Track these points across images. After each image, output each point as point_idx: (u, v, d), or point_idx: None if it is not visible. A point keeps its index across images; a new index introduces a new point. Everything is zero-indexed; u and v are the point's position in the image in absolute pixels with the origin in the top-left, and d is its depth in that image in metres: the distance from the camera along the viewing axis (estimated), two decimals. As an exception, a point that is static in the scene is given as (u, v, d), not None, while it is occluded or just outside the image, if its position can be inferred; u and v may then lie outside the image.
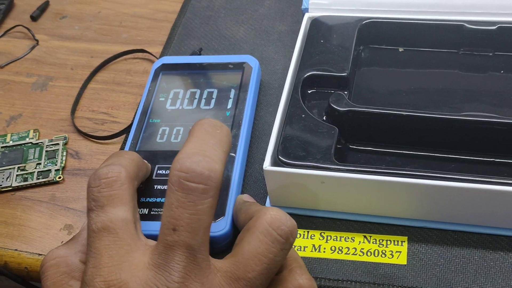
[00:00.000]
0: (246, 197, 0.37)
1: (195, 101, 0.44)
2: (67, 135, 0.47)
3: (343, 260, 0.37)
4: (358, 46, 0.45)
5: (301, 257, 0.35)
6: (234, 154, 0.40)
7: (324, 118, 0.40)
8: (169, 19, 0.56)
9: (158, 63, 0.47)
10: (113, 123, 0.48)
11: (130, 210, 0.31)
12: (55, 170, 0.44)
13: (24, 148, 0.46)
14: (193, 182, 0.29)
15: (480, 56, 0.44)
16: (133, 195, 0.32)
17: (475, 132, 0.38)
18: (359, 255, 0.37)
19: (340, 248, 0.37)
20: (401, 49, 0.45)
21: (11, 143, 0.47)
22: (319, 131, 0.38)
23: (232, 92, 0.44)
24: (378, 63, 0.45)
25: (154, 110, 0.44)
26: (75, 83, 0.51)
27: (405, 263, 0.36)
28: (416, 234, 0.37)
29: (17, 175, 0.44)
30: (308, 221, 0.38)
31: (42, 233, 0.41)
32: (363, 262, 0.36)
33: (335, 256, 0.37)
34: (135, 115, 0.44)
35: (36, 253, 0.40)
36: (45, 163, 0.45)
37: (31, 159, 0.45)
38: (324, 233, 0.38)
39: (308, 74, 0.42)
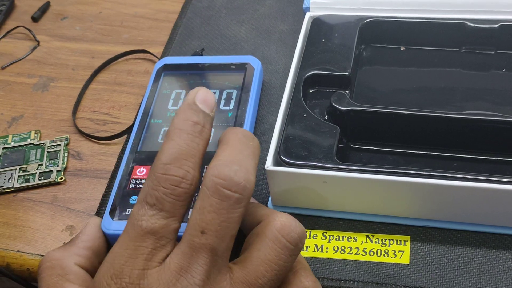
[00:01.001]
0: None
1: (197, 102, 0.44)
2: (68, 136, 0.47)
3: (346, 260, 0.37)
4: (360, 45, 0.45)
5: (304, 257, 0.35)
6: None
7: (326, 117, 0.40)
8: (170, 19, 0.56)
9: (160, 63, 0.47)
10: (114, 124, 0.48)
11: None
12: (57, 171, 0.44)
13: (26, 149, 0.46)
14: (230, 190, 0.29)
15: (482, 54, 0.44)
16: None
17: (477, 130, 0.38)
18: (362, 254, 0.37)
19: (343, 247, 0.37)
20: (402, 48, 0.45)
21: (12, 144, 0.47)
22: (321, 131, 0.38)
23: (234, 93, 0.44)
24: (379, 62, 0.45)
25: (156, 111, 0.44)
26: (76, 84, 0.51)
27: (408, 263, 0.36)
28: (419, 234, 0.37)
29: (18, 176, 0.44)
30: (310, 221, 0.38)
31: (44, 234, 0.41)
32: (366, 261, 0.36)
33: (338, 256, 0.37)
34: (136, 115, 0.44)
35: (38, 254, 0.40)
36: (47, 164, 0.45)
37: (32, 160, 0.45)
38: (326, 232, 0.38)
39: (309, 73, 0.42)
